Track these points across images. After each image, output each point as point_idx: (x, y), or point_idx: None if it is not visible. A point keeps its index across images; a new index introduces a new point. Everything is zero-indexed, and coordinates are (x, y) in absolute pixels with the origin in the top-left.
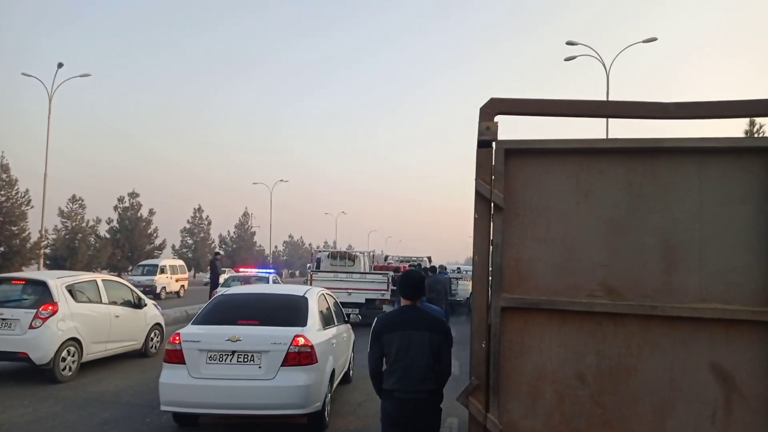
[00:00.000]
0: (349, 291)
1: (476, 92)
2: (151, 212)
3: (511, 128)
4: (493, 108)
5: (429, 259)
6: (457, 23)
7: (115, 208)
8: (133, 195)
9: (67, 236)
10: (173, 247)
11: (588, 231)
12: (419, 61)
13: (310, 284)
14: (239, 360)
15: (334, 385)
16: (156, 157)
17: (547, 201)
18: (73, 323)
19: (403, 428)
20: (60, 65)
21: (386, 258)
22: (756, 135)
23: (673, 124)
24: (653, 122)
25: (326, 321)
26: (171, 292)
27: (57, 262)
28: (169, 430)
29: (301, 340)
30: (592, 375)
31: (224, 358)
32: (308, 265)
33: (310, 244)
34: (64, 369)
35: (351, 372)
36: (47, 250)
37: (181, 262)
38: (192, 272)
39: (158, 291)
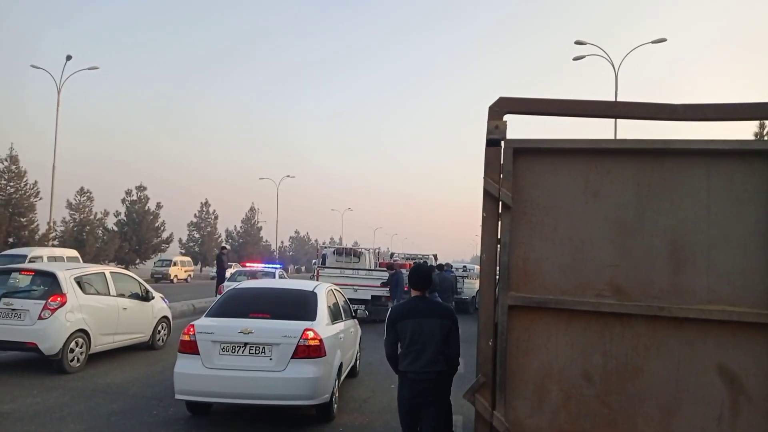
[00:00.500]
0: (355, 287)
1: (484, 91)
2: (159, 206)
3: (520, 128)
4: (502, 107)
5: (435, 257)
6: (465, 22)
7: (123, 201)
8: (140, 188)
9: (75, 228)
10: (180, 240)
11: (596, 231)
12: (427, 59)
13: (317, 280)
14: (251, 352)
15: (342, 378)
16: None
17: (555, 200)
18: (81, 315)
19: (416, 407)
20: (69, 58)
21: (392, 255)
22: (765, 138)
23: (682, 125)
24: (662, 123)
25: (334, 316)
26: (181, 279)
27: None
28: (175, 422)
29: (311, 334)
30: (598, 374)
31: (237, 349)
32: (313, 261)
33: (316, 240)
34: (72, 360)
35: (357, 366)
36: (55, 242)
37: (188, 258)
38: (199, 266)
39: (171, 277)
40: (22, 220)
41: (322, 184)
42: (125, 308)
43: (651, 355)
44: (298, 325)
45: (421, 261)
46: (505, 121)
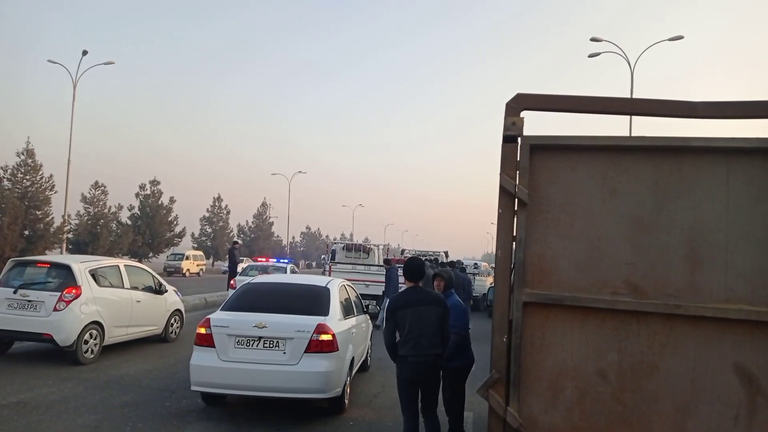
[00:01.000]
0: (367, 283)
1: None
2: (172, 200)
3: (536, 125)
4: (519, 103)
5: (446, 254)
6: (478, 17)
7: (137, 195)
8: (154, 183)
9: (89, 222)
10: (192, 235)
11: (613, 228)
12: (439, 55)
13: (329, 276)
14: (265, 345)
15: (353, 372)
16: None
17: (572, 197)
18: (95, 307)
19: (416, 385)
20: (84, 53)
21: (403, 252)
22: None
23: (701, 124)
24: (679, 122)
25: (347, 311)
26: (193, 273)
27: (79, 246)
28: (188, 414)
29: (324, 329)
30: (613, 372)
31: (251, 343)
32: (323, 256)
33: (327, 236)
34: (86, 351)
35: (369, 361)
36: (70, 235)
37: (200, 253)
38: (211, 260)
39: (184, 271)
40: (37, 213)
41: (334, 181)
42: (139, 301)
43: (667, 354)
44: (312, 320)
45: (432, 258)
46: (522, 118)
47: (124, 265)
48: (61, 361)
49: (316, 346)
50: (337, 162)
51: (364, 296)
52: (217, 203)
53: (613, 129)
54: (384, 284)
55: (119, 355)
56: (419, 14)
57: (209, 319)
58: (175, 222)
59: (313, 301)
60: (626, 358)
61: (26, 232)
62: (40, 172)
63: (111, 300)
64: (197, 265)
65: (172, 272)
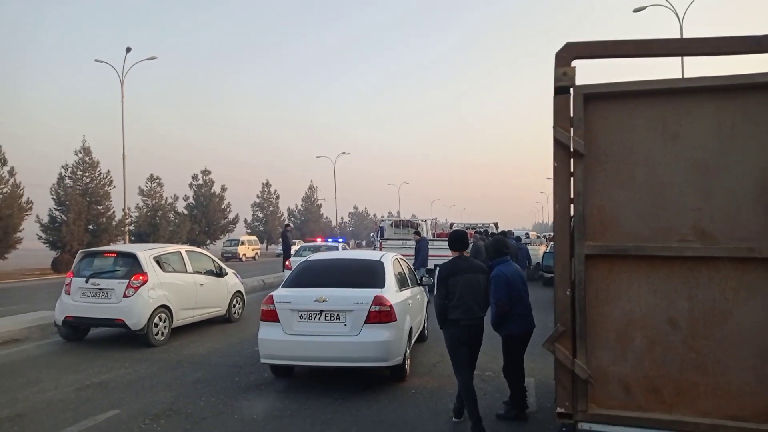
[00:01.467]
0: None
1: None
2: (223, 188)
3: (585, 77)
4: (570, 53)
5: (496, 225)
6: None
7: (190, 185)
8: (205, 172)
9: (148, 213)
10: (245, 221)
11: (676, 174)
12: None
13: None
14: (326, 318)
15: (412, 341)
16: (223, 135)
17: (631, 146)
18: (162, 291)
19: (466, 345)
20: (128, 50)
21: (451, 225)
22: None
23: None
24: (732, 65)
25: (402, 283)
26: (249, 258)
27: (141, 237)
28: (257, 387)
29: (381, 300)
30: (684, 320)
31: (313, 317)
32: (371, 234)
33: (374, 215)
34: (157, 334)
35: (426, 332)
36: (131, 227)
37: (254, 238)
38: (265, 244)
39: (240, 256)
40: (99, 207)
41: (378, 160)
42: (202, 284)
43: (740, 299)
44: (369, 293)
45: (482, 230)
46: (574, 67)
47: (186, 251)
48: (134, 344)
49: (375, 317)
50: (379, 141)
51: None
52: (266, 189)
53: (664, 75)
54: (413, 256)
55: (187, 336)
56: None
57: (272, 296)
58: (228, 209)
59: (369, 275)
60: (697, 305)
61: (90, 227)
62: (98, 169)
63: (176, 284)
64: (252, 250)
65: (229, 258)
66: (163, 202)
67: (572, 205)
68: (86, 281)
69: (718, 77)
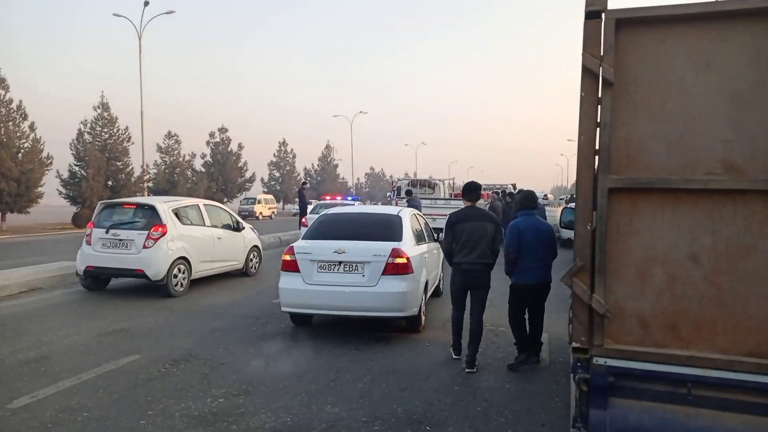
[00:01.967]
0: (434, 217)
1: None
2: (240, 146)
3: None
4: None
5: (513, 186)
6: None
7: (207, 143)
8: (222, 130)
9: (166, 170)
10: (262, 180)
11: (708, 105)
12: None
13: None
14: (345, 269)
15: (428, 294)
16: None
17: (663, 75)
18: (181, 243)
19: (466, 288)
20: (146, 3)
21: None
22: None
23: None
24: None
25: (418, 238)
26: (266, 216)
27: (159, 194)
28: (273, 336)
29: (398, 253)
30: (706, 255)
31: (332, 267)
32: (388, 194)
33: (390, 176)
34: (176, 285)
35: (441, 287)
36: (150, 184)
37: (271, 196)
38: (281, 203)
39: (256, 215)
40: (118, 164)
41: (396, 118)
42: (219, 238)
43: (766, 233)
44: (387, 245)
45: (500, 191)
46: None
47: (204, 204)
48: (154, 294)
49: (393, 269)
50: (397, 101)
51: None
52: (282, 148)
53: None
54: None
55: (206, 288)
56: None
57: (293, 246)
58: (245, 168)
59: (387, 228)
60: (721, 240)
61: (109, 183)
62: (117, 125)
63: (194, 237)
64: (269, 208)
65: (245, 216)
66: (180, 159)
67: (597, 137)
68: (106, 232)
69: None
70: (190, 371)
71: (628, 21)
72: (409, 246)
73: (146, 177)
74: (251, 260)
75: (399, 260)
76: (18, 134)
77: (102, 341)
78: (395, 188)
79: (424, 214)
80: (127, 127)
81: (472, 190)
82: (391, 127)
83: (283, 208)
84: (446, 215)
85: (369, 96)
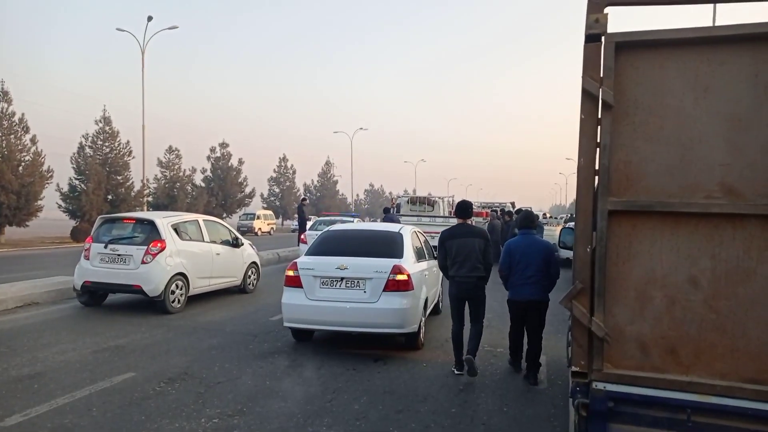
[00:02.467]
0: (432, 235)
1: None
2: (241, 162)
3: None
4: None
5: (512, 204)
6: None
7: (208, 158)
8: (223, 145)
9: (166, 185)
10: (261, 195)
11: (706, 128)
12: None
13: None
14: (347, 285)
15: (428, 311)
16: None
17: (662, 98)
18: (179, 259)
19: (462, 299)
20: (150, 18)
21: None
22: None
23: None
24: None
25: (419, 255)
26: (264, 232)
27: (159, 208)
28: (270, 355)
29: (399, 269)
30: (706, 279)
31: (334, 283)
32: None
33: (390, 193)
34: (173, 301)
35: (440, 305)
36: (150, 198)
37: (270, 212)
38: (280, 219)
39: (255, 230)
40: (118, 178)
41: (395, 136)
42: (218, 254)
43: (765, 258)
44: (388, 262)
45: (498, 209)
46: (606, 14)
47: (203, 220)
48: (150, 310)
49: (393, 285)
50: (398, 117)
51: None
52: (283, 163)
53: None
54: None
55: (203, 304)
56: None
57: (296, 262)
58: (244, 183)
59: (388, 245)
60: (720, 264)
61: (109, 197)
62: (118, 139)
63: (193, 252)
64: (268, 224)
65: (244, 232)
66: (181, 174)
67: (597, 159)
68: (105, 247)
69: (758, 24)
70: (185, 390)
71: (627, 45)
72: (409, 263)
73: (146, 191)
74: (249, 277)
75: (400, 277)
76: (19, 147)
77: (97, 358)
78: (395, 205)
79: (424, 232)
80: (128, 141)
81: (463, 209)
82: (390, 144)
83: (282, 224)
84: None
85: (369, 113)
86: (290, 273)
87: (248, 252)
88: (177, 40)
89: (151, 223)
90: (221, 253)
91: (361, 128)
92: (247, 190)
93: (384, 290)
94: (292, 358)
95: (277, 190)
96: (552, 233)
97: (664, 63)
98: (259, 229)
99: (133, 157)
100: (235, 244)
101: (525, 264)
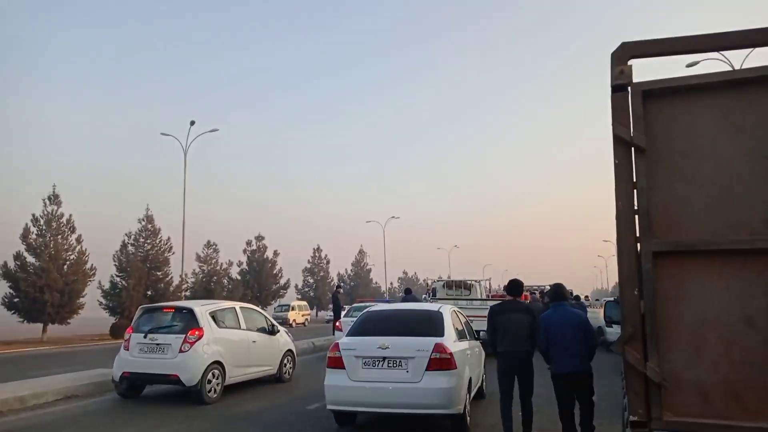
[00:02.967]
0: (471, 318)
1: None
2: (276, 254)
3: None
4: (626, 52)
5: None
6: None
7: (244, 251)
8: (259, 238)
9: (204, 279)
10: (296, 286)
11: (743, 167)
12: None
13: None
14: (389, 365)
15: (473, 393)
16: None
17: (694, 140)
18: (217, 347)
19: (511, 374)
20: (192, 123)
21: (505, 288)
22: None
23: None
24: None
25: (460, 335)
26: (299, 323)
27: None
28: None
29: (442, 348)
30: (762, 318)
31: (377, 363)
32: (423, 296)
33: (425, 279)
34: (210, 391)
35: (484, 388)
36: (188, 293)
37: (305, 303)
38: (314, 310)
39: (290, 322)
40: (158, 273)
41: (428, 223)
42: (254, 341)
43: None
44: (430, 341)
45: (537, 291)
46: (630, 65)
47: (240, 307)
48: (187, 401)
49: (436, 364)
50: (429, 205)
51: None
52: (317, 253)
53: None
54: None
55: (239, 394)
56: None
57: (338, 343)
58: (279, 274)
59: (429, 324)
60: None
61: (149, 292)
62: (159, 236)
63: (230, 340)
64: (302, 315)
65: (279, 323)
66: (218, 267)
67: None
68: (144, 336)
69: None
70: None
71: (654, 92)
72: (451, 341)
73: (184, 286)
74: (285, 365)
75: (442, 355)
76: (65, 247)
77: None
78: (430, 290)
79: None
80: (169, 238)
81: (514, 286)
82: (422, 230)
83: (317, 315)
84: (484, 317)
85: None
86: (332, 354)
87: (284, 339)
88: (216, 140)
89: (190, 311)
90: (257, 340)
91: (393, 216)
92: (282, 281)
93: (427, 369)
94: None
95: (311, 281)
96: (596, 316)
97: (693, 107)
98: (294, 320)
99: (173, 253)
100: (272, 331)
101: (561, 335)
